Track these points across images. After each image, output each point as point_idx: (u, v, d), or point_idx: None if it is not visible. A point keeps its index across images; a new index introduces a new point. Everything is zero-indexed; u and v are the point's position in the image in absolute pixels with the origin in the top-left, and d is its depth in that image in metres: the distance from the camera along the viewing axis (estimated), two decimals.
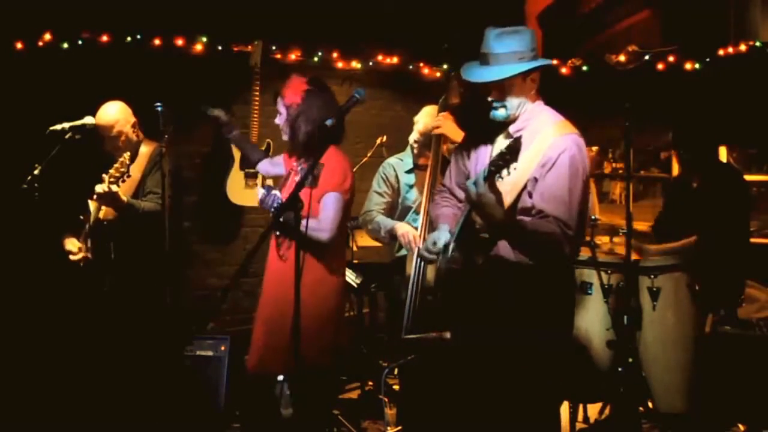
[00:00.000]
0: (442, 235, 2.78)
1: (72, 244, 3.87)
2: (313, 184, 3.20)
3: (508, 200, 2.69)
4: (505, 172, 2.51)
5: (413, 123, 4.15)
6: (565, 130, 2.78)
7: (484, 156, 2.87)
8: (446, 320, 3.15)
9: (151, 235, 3.55)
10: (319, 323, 3.22)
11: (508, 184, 2.67)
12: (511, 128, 2.82)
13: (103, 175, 3.61)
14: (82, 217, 3.88)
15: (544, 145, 2.73)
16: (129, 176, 3.58)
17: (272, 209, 3.19)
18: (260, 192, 3.25)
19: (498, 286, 2.76)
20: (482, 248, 2.79)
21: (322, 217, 3.22)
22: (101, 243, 3.84)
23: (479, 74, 2.75)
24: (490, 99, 2.79)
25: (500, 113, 2.78)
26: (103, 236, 3.81)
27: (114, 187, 3.57)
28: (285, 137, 3.38)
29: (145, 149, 3.92)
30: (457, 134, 3.76)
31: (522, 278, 2.75)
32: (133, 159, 3.81)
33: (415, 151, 4.12)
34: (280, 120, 3.38)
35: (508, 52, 2.73)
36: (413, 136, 4.11)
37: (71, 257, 3.87)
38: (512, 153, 2.48)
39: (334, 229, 3.24)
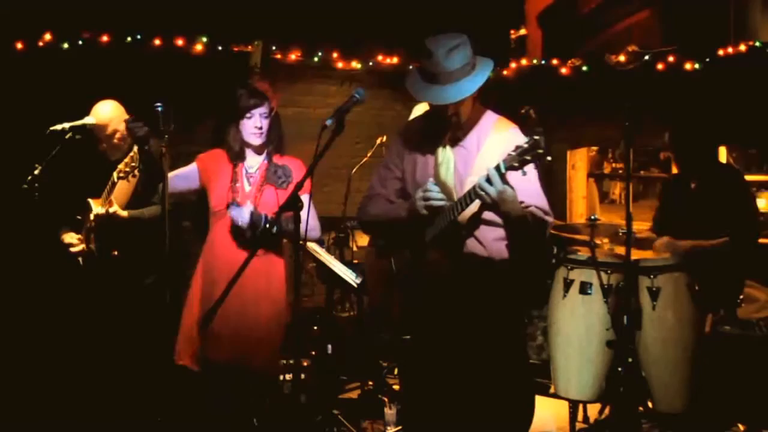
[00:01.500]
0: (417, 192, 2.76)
1: (70, 237, 3.87)
2: (283, 185, 3.35)
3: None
4: (520, 172, 2.52)
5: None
6: (508, 125, 2.85)
7: (426, 163, 2.87)
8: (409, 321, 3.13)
9: (154, 236, 3.55)
10: (275, 327, 3.36)
11: (469, 180, 2.71)
12: (460, 133, 2.83)
13: (93, 201, 3.66)
14: (79, 217, 3.88)
15: (500, 142, 2.74)
16: (140, 170, 3.58)
17: (264, 225, 3.21)
18: (233, 212, 3.27)
19: (472, 282, 2.78)
20: (458, 245, 2.79)
21: (311, 215, 3.23)
22: (103, 241, 3.84)
23: (441, 95, 2.72)
24: (450, 114, 2.77)
25: (454, 121, 2.81)
26: (106, 235, 3.81)
27: (112, 208, 3.62)
28: (260, 140, 3.40)
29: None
30: None
31: (495, 273, 2.79)
32: (128, 153, 3.81)
33: None
34: (265, 123, 3.39)
35: (460, 67, 2.74)
36: None
37: (71, 249, 3.86)
38: (534, 152, 2.47)
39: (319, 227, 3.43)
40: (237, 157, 3.44)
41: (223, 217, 3.38)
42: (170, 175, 3.53)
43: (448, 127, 2.83)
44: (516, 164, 2.50)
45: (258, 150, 3.44)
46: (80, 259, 3.89)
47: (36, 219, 4.00)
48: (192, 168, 3.54)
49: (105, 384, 3.81)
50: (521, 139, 2.58)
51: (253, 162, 3.45)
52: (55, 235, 3.93)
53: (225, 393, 3.39)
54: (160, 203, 3.71)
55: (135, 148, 3.53)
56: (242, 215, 3.24)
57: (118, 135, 3.85)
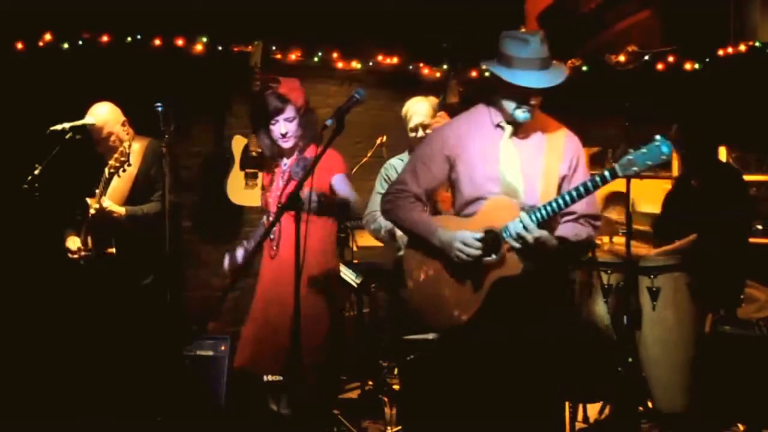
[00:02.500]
0: (462, 236, 2.79)
1: (73, 242, 3.87)
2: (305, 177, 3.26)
3: (550, 192, 2.81)
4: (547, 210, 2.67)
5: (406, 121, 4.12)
6: (562, 128, 2.92)
7: (486, 159, 2.87)
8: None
9: (153, 234, 3.56)
10: (315, 321, 3.24)
11: (537, 177, 2.81)
12: (524, 130, 2.89)
13: (90, 200, 3.65)
14: (79, 217, 3.88)
15: (558, 145, 2.85)
16: (129, 165, 3.58)
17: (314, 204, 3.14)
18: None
19: (528, 288, 2.82)
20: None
21: (349, 191, 3.33)
22: (102, 239, 3.83)
23: (547, 79, 2.78)
24: (534, 103, 2.82)
25: (530, 116, 2.84)
26: (105, 232, 3.81)
27: (105, 203, 3.61)
28: (290, 144, 3.39)
29: (137, 146, 3.92)
30: None
31: (543, 278, 2.85)
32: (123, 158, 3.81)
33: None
34: (293, 126, 3.37)
35: (550, 55, 2.83)
36: (413, 133, 4.08)
37: (69, 255, 3.87)
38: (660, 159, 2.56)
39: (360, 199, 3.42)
40: (273, 160, 3.49)
41: (267, 218, 3.46)
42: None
43: (514, 124, 2.87)
44: (636, 169, 2.57)
45: (290, 152, 3.44)
46: (80, 261, 3.89)
47: (36, 218, 4.01)
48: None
49: (105, 383, 3.81)
50: (579, 143, 2.82)
51: (287, 159, 3.47)
52: (59, 234, 3.93)
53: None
54: (158, 200, 3.72)
55: (125, 144, 3.55)
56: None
57: (113, 138, 3.85)
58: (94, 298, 3.85)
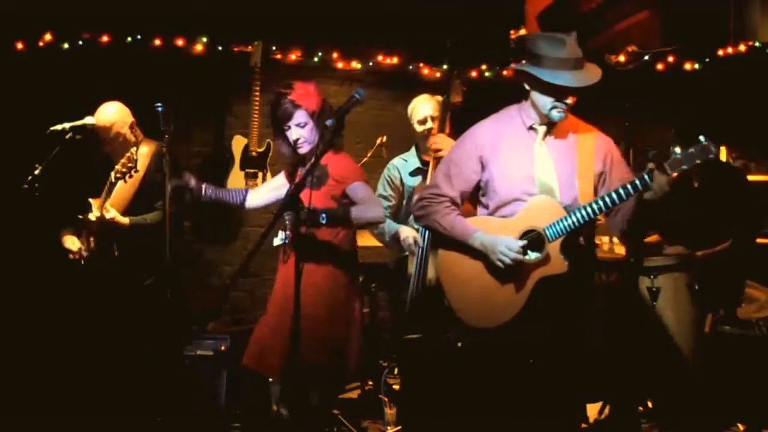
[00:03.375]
0: (506, 240, 2.82)
1: (71, 242, 3.87)
2: (316, 185, 3.21)
3: (588, 191, 2.86)
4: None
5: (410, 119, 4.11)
6: (592, 128, 3.02)
7: (520, 161, 2.90)
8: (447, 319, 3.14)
9: (155, 239, 3.55)
10: (315, 322, 3.21)
11: (572, 176, 2.86)
12: (555, 132, 2.94)
13: (94, 201, 3.64)
14: (81, 216, 3.88)
15: (589, 145, 2.91)
16: (137, 171, 3.57)
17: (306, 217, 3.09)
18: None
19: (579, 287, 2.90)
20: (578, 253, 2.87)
21: (364, 199, 3.27)
22: (105, 241, 3.83)
23: (585, 78, 2.82)
24: (569, 102, 2.85)
25: (564, 116, 2.88)
26: (107, 235, 3.80)
27: (109, 214, 3.60)
28: (305, 149, 3.33)
29: (145, 149, 3.91)
30: None
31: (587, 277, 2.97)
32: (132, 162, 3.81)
33: (421, 145, 4.08)
34: (306, 132, 3.30)
35: (583, 56, 2.86)
36: (417, 129, 4.07)
37: (69, 255, 3.86)
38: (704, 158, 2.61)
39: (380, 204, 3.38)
40: (293, 165, 3.43)
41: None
42: (252, 192, 3.63)
43: (546, 124, 2.90)
44: (685, 167, 2.63)
45: (309, 156, 3.35)
46: (82, 259, 3.89)
47: (38, 218, 4.00)
48: (281, 178, 3.56)
49: (105, 383, 3.81)
50: (611, 141, 2.90)
51: (303, 165, 3.40)
52: (57, 234, 3.93)
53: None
54: (162, 208, 3.71)
55: (133, 150, 3.53)
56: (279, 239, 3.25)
57: (120, 138, 3.84)
58: (95, 298, 3.85)
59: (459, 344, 3.32)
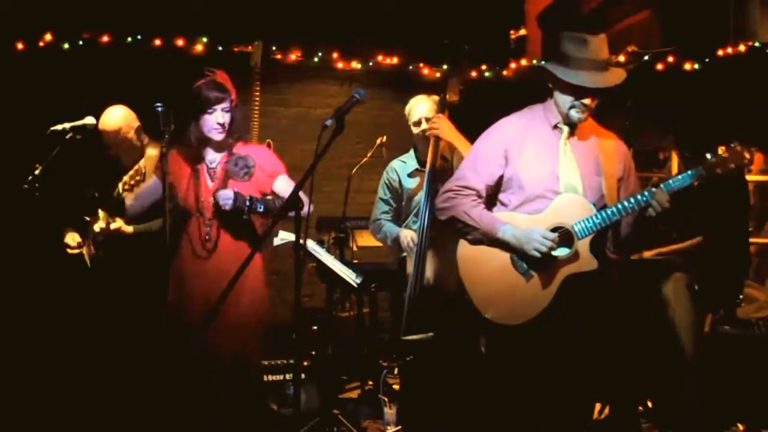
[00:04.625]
0: (540, 230, 2.82)
1: (72, 238, 3.87)
2: (245, 177, 3.24)
3: (613, 192, 2.89)
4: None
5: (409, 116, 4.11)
6: (612, 134, 3.02)
7: (544, 159, 2.91)
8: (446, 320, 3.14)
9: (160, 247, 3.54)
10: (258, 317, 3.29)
11: (596, 177, 2.88)
12: (578, 133, 2.95)
13: (102, 212, 3.63)
14: (88, 218, 3.87)
15: (612, 149, 2.93)
16: (143, 182, 3.56)
17: (250, 205, 3.15)
18: (219, 195, 3.17)
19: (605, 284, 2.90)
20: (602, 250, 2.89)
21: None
22: (109, 249, 3.82)
23: (606, 80, 2.82)
24: (587, 103, 2.85)
25: (585, 117, 2.89)
26: (112, 244, 3.79)
27: (114, 225, 3.61)
28: (224, 135, 3.26)
29: (152, 152, 3.90)
30: (453, 136, 3.74)
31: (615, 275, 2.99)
32: (139, 160, 3.80)
33: (419, 147, 4.09)
34: (228, 117, 3.24)
35: (608, 57, 2.87)
36: (414, 131, 4.07)
37: (69, 251, 3.86)
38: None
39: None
40: (196, 155, 3.31)
41: (191, 217, 3.29)
42: (132, 197, 3.46)
43: (570, 123, 2.91)
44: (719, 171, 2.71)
45: (219, 145, 3.30)
46: (87, 260, 3.88)
47: (39, 218, 4.00)
48: (154, 182, 3.38)
49: (105, 383, 3.82)
50: (626, 150, 2.95)
51: (215, 156, 3.32)
52: (59, 232, 3.92)
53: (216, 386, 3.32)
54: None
55: (141, 163, 3.52)
56: (227, 196, 3.14)
57: (127, 143, 3.83)
58: (95, 297, 3.86)
59: (483, 350, 3.30)
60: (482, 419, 2.95)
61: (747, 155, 2.67)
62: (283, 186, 3.30)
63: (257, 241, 3.26)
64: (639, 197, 2.77)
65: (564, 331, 2.81)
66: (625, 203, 2.78)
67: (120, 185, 3.54)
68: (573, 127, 2.93)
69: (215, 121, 3.23)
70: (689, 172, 2.76)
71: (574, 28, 2.87)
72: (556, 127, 2.94)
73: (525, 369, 2.88)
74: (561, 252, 2.82)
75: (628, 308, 3.70)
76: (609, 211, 2.79)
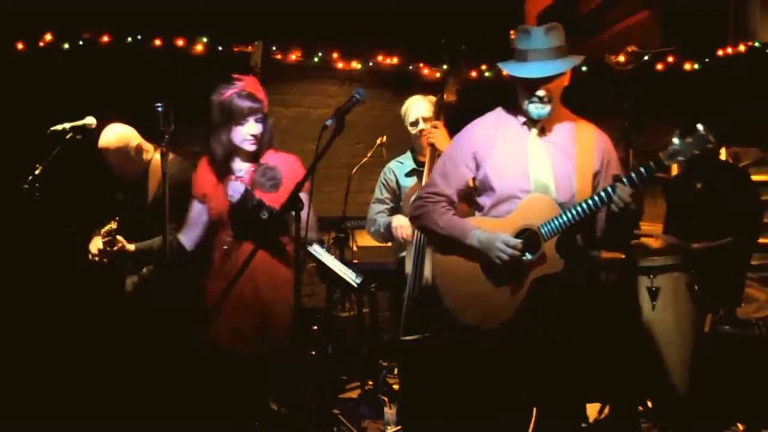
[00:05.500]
0: (502, 237, 2.79)
1: (95, 245, 3.84)
2: (272, 189, 3.15)
3: (586, 189, 2.81)
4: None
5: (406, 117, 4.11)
6: (591, 126, 2.94)
7: (515, 158, 2.86)
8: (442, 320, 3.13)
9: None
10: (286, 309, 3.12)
11: (569, 174, 2.81)
12: (553, 129, 2.88)
13: (101, 233, 3.61)
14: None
15: (589, 142, 2.86)
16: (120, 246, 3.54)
17: (254, 205, 3.05)
18: (229, 186, 3.08)
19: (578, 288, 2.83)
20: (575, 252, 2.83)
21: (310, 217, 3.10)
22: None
23: (536, 69, 2.75)
24: (541, 95, 2.78)
25: (545, 110, 2.82)
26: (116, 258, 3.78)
27: (117, 246, 3.53)
28: (256, 147, 3.17)
29: (158, 161, 3.87)
30: (447, 146, 3.73)
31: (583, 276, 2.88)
32: (144, 175, 3.78)
33: (416, 147, 4.09)
34: (261, 127, 3.16)
35: (556, 47, 2.80)
36: (410, 131, 4.07)
37: (90, 256, 3.83)
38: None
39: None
40: (225, 166, 3.21)
41: (225, 226, 3.20)
42: (185, 232, 3.36)
43: (537, 121, 2.85)
44: (681, 158, 2.59)
45: (248, 154, 3.21)
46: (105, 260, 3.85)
47: (37, 219, 4.00)
48: (195, 205, 3.29)
49: (105, 383, 3.82)
50: (610, 141, 2.84)
51: (243, 166, 3.23)
52: (86, 235, 3.90)
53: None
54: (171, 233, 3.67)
55: (112, 223, 3.48)
56: (236, 188, 3.06)
57: (129, 160, 3.76)
58: (96, 298, 3.86)
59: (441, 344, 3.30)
60: (482, 419, 2.95)
61: (712, 139, 2.57)
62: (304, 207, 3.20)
63: (288, 260, 3.14)
64: (602, 194, 2.69)
65: (538, 333, 2.79)
66: (589, 201, 2.71)
67: (99, 237, 3.52)
68: (546, 123, 2.87)
69: (248, 132, 3.14)
70: (649, 164, 2.64)
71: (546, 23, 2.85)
72: (525, 124, 2.90)
73: (497, 371, 2.88)
74: (528, 255, 2.79)
75: (625, 308, 3.70)
76: (573, 211, 2.72)
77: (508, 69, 2.81)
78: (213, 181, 3.25)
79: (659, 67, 5.65)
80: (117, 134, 3.76)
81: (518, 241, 2.77)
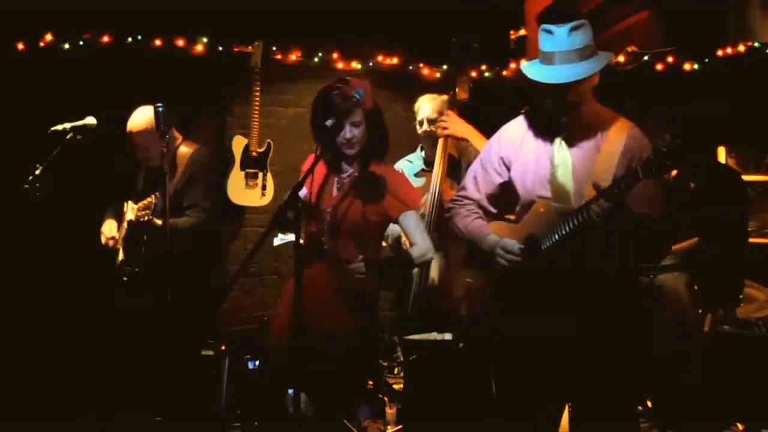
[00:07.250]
0: (503, 242, 2.78)
1: (109, 228, 3.84)
2: (371, 199, 3.10)
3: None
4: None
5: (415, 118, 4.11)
6: (626, 125, 2.76)
7: (539, 165, 2.79)
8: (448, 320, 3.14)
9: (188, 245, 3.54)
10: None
11: (589, 172, 2.67)
12: (582, 131, 2.75)
13: (128, 205, 3.61)
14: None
15: (616, 146, 2.69)
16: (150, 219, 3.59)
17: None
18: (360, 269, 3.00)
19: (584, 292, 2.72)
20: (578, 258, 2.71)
21: (420, 238, 3.13)
22: (131, 252, 3.81)
23: (556, 75, 2.61)
24: (570, 101, 2.65)
25: (566, 117, 2.71)
26: (135, 244, 3.78)
27: (145, 217, 3.59)
28: (355, 150, 3.10)
29: (185, 150, 3.87)
30: (466, 131, 3.72)
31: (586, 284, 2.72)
32: (172, 163, 3.77)
33: (425, 147, 4.08)
34: (358, 131, 3.07)
35: (580, 48, 2.64)
36: (419, 127, 4.06)
37: (101, 239, 3.84)
38: (676, 158, 2.41)
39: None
40: (336, 164, 3.20)
41: (311, 220, 3.16)
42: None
43: (565, 125, 2.73)
44: (654, 170, 2.43)
45: (352, 159, 3.16)
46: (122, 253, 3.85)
47: (36, 219, 4.00)
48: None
49: (106, 383, 3.82)
50: (645, 143, 2.64)
51: (347, 168, 3.19)
52: (100, 213, 3.91)
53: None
54: (194, 215, 3.69)
55: (152, 196, 3.50)
56: (360, 270, 2.98)
57: (156, 142, 3.76)
58: (97, 298, 3.86)
59: (460, 345, 3.31)
60: (483, 419, 2.95)
61: (666, 137, 2.44)
62: (410, 225, 3.13)
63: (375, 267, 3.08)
64: (582, 209, 2.60)
65: (542, 334, 2.76)
66: (575, 214, 2.62)
67: (133, 207, 3.53)
68: (573, 124, 2.74)
69: (343, 136, 3.08)
70: (626, 176, 2.51)
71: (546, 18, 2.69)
72: (551, 128, 2.80)
73: (503, 369, 2.90)
74: (531, 262, 2.76)
75: (625, 308, 3.70)
76: (566, 224, 2.64)
77: (530, 73, 2.70)
78: (320, 173, 3.21)
79: (659, 67, 5.65)
80: (145, 116, 3.77)
81: (517, 248, 2.75)
